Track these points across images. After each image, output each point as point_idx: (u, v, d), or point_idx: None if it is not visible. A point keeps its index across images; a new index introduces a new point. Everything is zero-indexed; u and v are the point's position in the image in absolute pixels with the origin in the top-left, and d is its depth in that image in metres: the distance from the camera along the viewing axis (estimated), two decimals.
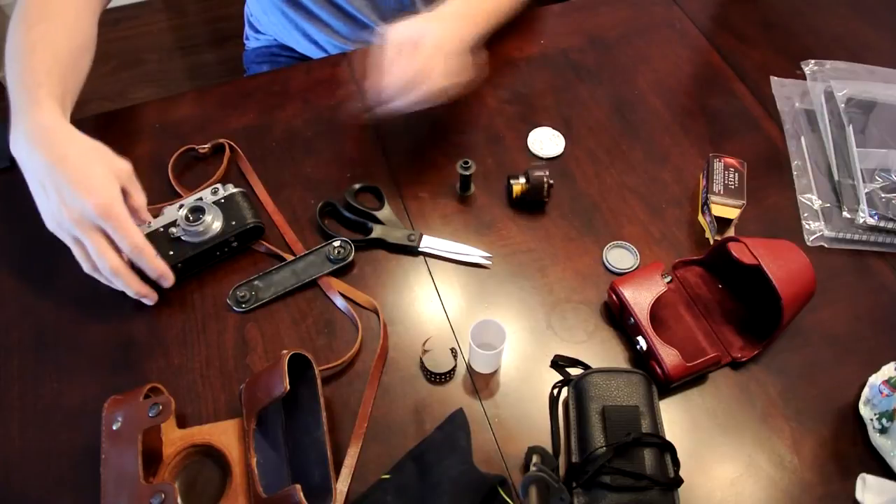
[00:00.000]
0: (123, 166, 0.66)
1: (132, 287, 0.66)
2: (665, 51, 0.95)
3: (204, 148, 0.80)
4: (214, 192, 0.73)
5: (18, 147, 0.65)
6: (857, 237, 0.76)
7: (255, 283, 0.71)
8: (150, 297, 0.68)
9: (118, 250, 0.65)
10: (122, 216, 0.63)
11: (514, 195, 0.76)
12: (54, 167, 0.63)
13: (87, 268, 0.66)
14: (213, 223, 0.70)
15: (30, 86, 0.67)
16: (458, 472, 0.57)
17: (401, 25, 0.73)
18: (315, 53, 1.06)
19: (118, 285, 0.67)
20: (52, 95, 0.67)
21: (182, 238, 0.70)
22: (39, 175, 0.64)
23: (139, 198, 0.67)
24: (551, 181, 0.75)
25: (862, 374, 0.66)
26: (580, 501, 0.57)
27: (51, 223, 0.65)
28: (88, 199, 0.61)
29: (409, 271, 0.74)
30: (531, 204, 0.77)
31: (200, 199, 0.72)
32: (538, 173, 0.75)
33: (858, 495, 0.60)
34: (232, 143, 0.81)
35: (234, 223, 0.71)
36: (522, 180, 0.75)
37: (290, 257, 0.73)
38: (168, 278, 0.67)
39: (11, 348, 0.68)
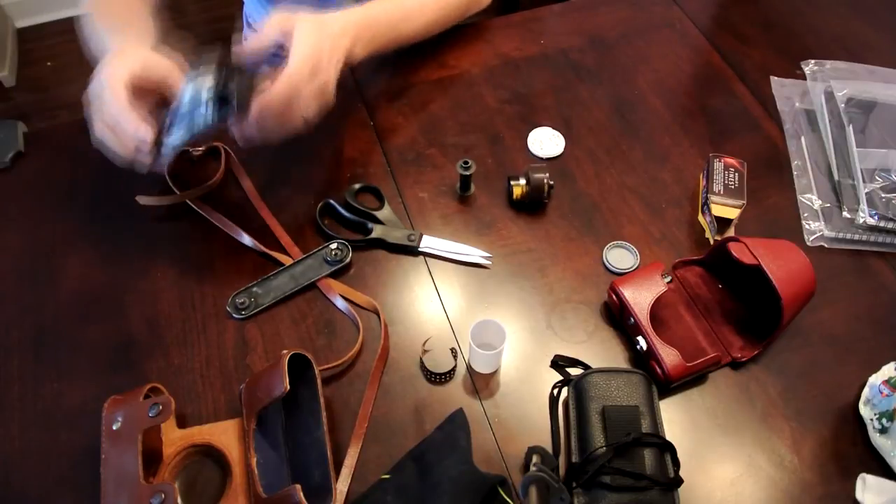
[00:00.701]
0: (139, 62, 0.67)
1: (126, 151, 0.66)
2: (665, 51, 0.95)
3: (198, 151, 0.80)
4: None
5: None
6: (857, 237, 0.76)
7: (254, 289, 0.71)
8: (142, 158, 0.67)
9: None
10: (104, 96, 0.65)
11: (515, 197, 0.76)
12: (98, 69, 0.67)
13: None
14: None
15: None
16: (458, 472, 0.57)
17: (301, 44, 0.68)
18: None
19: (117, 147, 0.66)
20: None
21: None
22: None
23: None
24: (552, 182, 0.75)
25: (862, 374, 0.66)
26: (580, 501, 0.57)
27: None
28: (94, 81, 0.66)
29: (409, 271, 0.74)
30: (531, 204, 0.77)
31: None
32: (538, 175, 0.75)
33: (858, 495, 0.60)
34: (226, 147, 0.81)
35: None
36: (523, 182, 0.75)
37: (288, 261, 0.73)
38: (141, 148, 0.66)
39: (11, 348, 0.68)
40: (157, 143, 0.66)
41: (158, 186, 0.79)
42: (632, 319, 0.66)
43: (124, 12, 0.78)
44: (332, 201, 0.76)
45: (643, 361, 0.66)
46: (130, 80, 0.65)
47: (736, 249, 0.66)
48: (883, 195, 0.77)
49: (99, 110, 0.66)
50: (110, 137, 0.66)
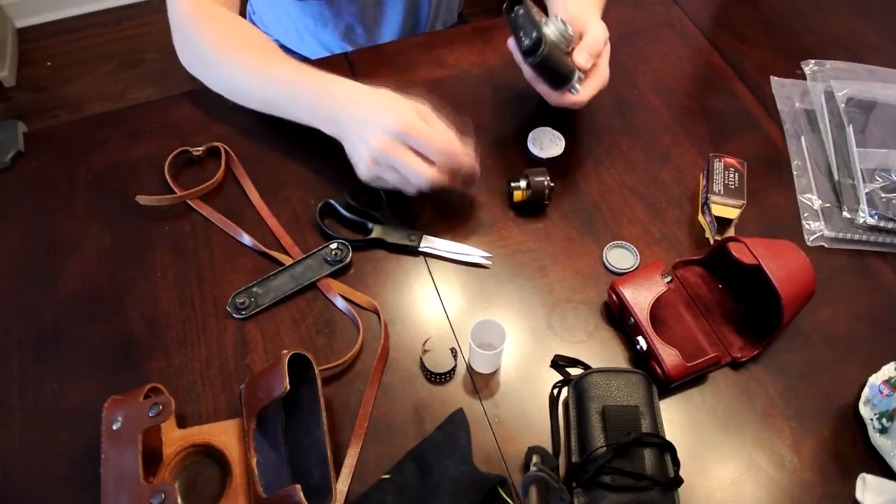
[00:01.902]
0: (417, 105, 0.70)
1: (456, 184, 0.71)
2: (665, 51, 0.95)
3: (198, 150, 0.80)
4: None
5: (331, 124, 0.73)
6: (857, 237, 0.76)
7: (254, 289, 0.71)
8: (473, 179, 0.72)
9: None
10: (418, 126, 0.67)
11: (515, 200, 0.76)
12: (348, 111, 0.71)
13: (410, 190, 0.71)
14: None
15: (292, 76, 0.75)
16: (458, 472, 0.57)
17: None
18: (315, 53, 1.06)
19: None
20: (306, 68, 0.76)
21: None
22: (345, 129, 0.72)
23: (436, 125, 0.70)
24: (552, 184, 0.75)
25: (862, 374, 0.66)
26: (580, 501, 0.57)
27: (364, 171, 0.71)
28: (385, 119, 0.67)
29: (409, 271, 0.74)
30: (531, 206, 0.77)
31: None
32: (539, 178, 0.75)
33: (858, 495, 0.60)
34: (226, 147, 0.81)
35: None
36: (524, 185, 0.75)
37: (288, 261, 0.73)
38: (475, 173, 0.72)
39: (11, 348, 0.68)
40: None
41: (158, 186, 0.79)
42: (632, 319, 0.66)
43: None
44: (332, 201, 0.76)
45: (643, 361, 0.66)
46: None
47: (736, 249, 0.66)
48: (883, 195, 0.77)
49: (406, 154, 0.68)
50: (433, 173, 0.68)
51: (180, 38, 0.82)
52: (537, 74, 0.75)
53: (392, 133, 0.67)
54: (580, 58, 0.73)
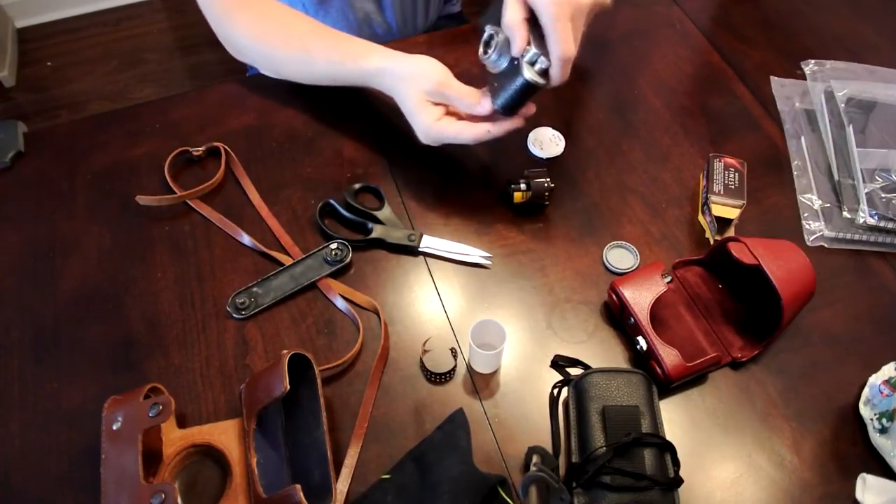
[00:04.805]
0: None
1: (492, 131, 0.71)
2: (665, 51, 0.95)
3: (198, 150, 0.80)
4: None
5: (392, 88, 0.76)
6: (857, 237, 0.76)
7: (254, 289, 0.71)
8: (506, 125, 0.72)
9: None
10: (453, 85, 0.71)
11: (515, 201, 0.76)
12: (386, 84, 0.76)
13: (467, 137, 0.73)
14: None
15: (343, 55, 0.78)
16: (458, 472, 0.57)
17: None
18: None
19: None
20: (355, 47, 0.78)
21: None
22: (403, 99, 0.75)
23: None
24: (552, 185, 0.75)
25: (862, 374, 0.66)
26: (580, 501, 0.57)
27: (423, 132, 0.75)
28: (426, 82, 0.72)
29: (409, 271, 0.74)
30: (531, 206, 0.77)
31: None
32: (539, 180, 0.75)
33: (858, 495, 0.60)
34: (226, 147, 0.81)
35: None
36: (523, 187, 0.75)
37: (288, 261, 0.73)
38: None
39: (11, 348, 0.68)
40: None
41: (158, 186, 0.79)
42: (632, 319, 0.66)
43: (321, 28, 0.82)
44: (332, 201, 0.76)
45: (643, 361, 0.66)
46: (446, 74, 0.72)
47: (736, 249, 0.66)
48: (883, 195, 0.77)
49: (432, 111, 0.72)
50: (458, 128, 0.72)
51: (220, 35, 0.85)
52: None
53: (434, 94, 0.72)
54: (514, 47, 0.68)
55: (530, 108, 0.71)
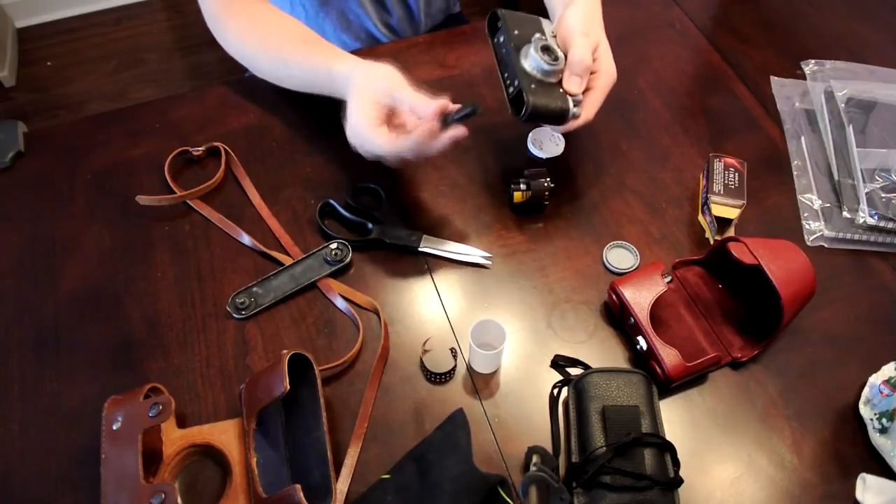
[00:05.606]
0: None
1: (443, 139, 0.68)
2: (665, 51, 0.95)
3: (198, 150, 0.80)
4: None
5: (345, 88, 0.73)
6: (857, 237, 0.76)
7: (254, 289, 0.71)
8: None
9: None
10: (404, 90, 0.69)
11: (515, 201, 0.76)
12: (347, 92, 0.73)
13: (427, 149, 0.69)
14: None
15: (316, 62, 0.77)
16: (458, 472, 0.57)
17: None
18: None
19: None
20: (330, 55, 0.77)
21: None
22: (350, 95, 0.72)
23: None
24: (552, 185, 0.75)
25: (862, 374, 0.66)
26: (580, 501, 0.57)
27: (352, 131, 0.71)
28: (380, 82, 0.70)
29: (409, 271, 0.74)
30: (531, 206, 0.77)
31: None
32: (539, 180, 0.75)
33: (858, 495, 0.60)
34: (226, 147, 0.81)
35: None
36: (523, 187, 0.75)
37: (288, 261, 0.73)
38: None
39: (11, 348, 0.68)
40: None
41: (158, 186, 0.79)
42: (632, 319, 0.66)
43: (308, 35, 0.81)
44: (332, 201, 0.76)
45: (643, 361, 0.66)
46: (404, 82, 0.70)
47: (736, 249, 0.66)
48: (883, 195, 0.77)
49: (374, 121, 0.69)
50: (415, 140, 0.67)
51: (214, 34, 0.85)
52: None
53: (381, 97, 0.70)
54: (570, 85, 0.71)
55: (460, 130, 0.68)
